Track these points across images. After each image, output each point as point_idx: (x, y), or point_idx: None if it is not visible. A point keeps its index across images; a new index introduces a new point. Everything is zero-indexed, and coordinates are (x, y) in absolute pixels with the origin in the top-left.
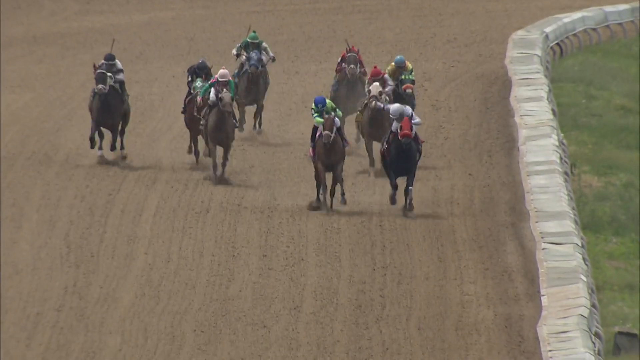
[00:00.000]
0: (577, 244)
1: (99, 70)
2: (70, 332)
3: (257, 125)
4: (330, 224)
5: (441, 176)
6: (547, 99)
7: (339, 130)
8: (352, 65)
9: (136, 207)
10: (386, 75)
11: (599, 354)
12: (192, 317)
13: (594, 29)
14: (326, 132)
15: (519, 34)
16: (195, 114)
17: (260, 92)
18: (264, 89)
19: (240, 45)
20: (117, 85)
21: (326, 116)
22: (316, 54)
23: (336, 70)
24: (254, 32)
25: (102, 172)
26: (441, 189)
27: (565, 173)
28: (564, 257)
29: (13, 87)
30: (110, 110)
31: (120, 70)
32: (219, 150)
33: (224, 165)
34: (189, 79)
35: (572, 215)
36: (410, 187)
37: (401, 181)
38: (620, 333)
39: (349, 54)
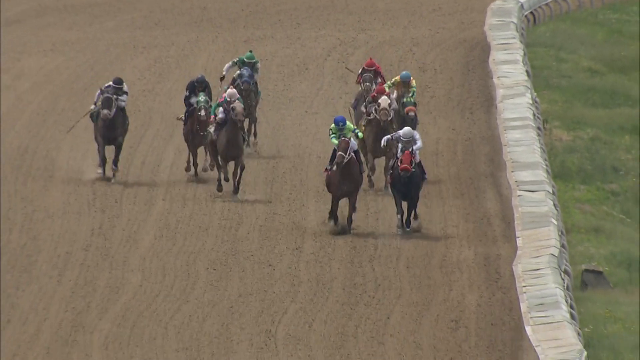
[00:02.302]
0: (548, 191)
1: (106, 95)
2: (96, 270)
3: (248, 139)
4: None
5: (427, 131)
6: (522, 62)
7: (357, 153)
8: (367, 84)
9: (155, 158)
10: (391, 95)
11: (567, 289)
12: (205, 257)
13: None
14: (340, 152)
15: (497, 3)
16: (197, 127)
17: (253, 106)
18: (256, 103)
19: (235, 62)
20: (119, 110)
21: (342, 138)
22: (316, 21)
23: (357, 82)
24: (251, 51)
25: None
26: (427, 143)
27: (538, 128)
28: (536, 203)
29: (46, 51)
30: (115, 128)
31: (125, 93)
32: (230, 167)
33: (238, 181)
34: (187, 93)
35: (544, 166)
36: (416, 219)
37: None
38: (586, 270)
39: (365, 74)
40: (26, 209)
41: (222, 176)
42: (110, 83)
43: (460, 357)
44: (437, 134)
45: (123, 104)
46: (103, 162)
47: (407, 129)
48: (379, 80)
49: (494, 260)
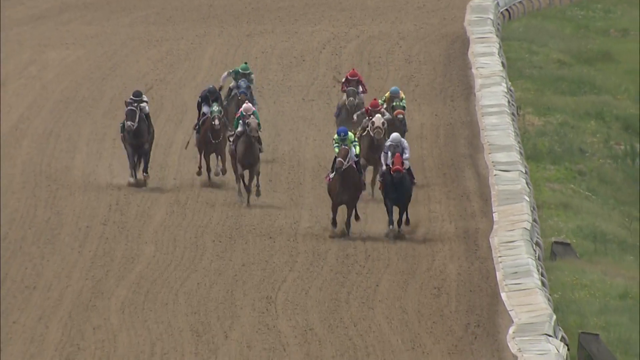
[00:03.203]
0: (521, 171)
1: (129, 108)
2: (113, 242)
3: None
4: (323, 156)
5: (413, 117)
6: (498, 54)
7: (357, 164)
8: (350, 98)
9: (167, 141)
10: (383, 109)
11: (538, 259)
12: (212, 230)
13: None
14: (339, 159)
15: (476, 1)
16: (210, 135)
17: None
18: None
19: (230, 72)
20: (144, 117)
21: (342, 147)
22: (312, 17)
23: (341, 89)
24: (246, 63)
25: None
26: (413, 127)
27: (513, 114)
28: (511, 181)
29: (68, 45)
30: (140, 138)
31: (146, 102)
32: (247, 174)
33: (257, 185)
34: (200, 101)
35: (518, 148)
36: (407, 224)
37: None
38: (556, 242)
39: (349, 88)
40: (50, 186)
41: (240, 186)
42: (131, 98)
43: (442, 320)
44: (421, 119)
45: (146, 109)
46: (134, 168)
47: (395, 135)
48: (361, 89)
49: (472, 233)
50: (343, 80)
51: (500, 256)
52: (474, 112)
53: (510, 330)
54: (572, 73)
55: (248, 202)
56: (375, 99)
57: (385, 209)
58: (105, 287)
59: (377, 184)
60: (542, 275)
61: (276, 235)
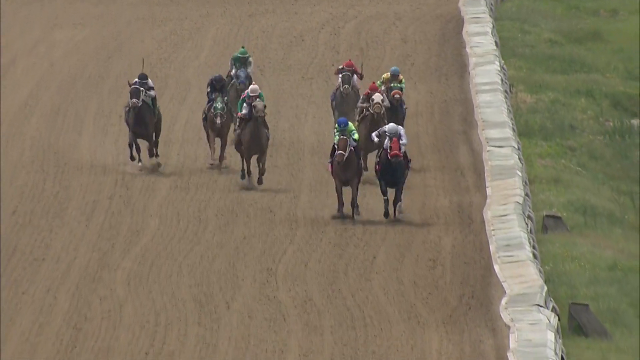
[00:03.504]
0: (514, 147)
1: (133, 86)
2: (119, 215)
3: None
4: (322, 132)
5: (409, 95)
6: (491, 34)
7: (356, 150)
8: (345, 85)
9: (171, 118)
10: (382, 93)
11: (530, 232)
12: (215, 204)
13: None
14: (339, 151)
15: None
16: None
17: None
18: None
19: (231, 59)
20: (149, 100)
21: (341, 137)
22: None
23: (335, 73)
24: (243, 47)
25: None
26: (409, 105)
27: (506, 91)
28: (504, 157)
29: (75, 24)
30: (144, 121)
31: (152, 87)
32: (253, 160)
33: (261, 171)
34: (208, 89)
35: (511, 124)
36: (399, 203)
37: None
38: (547, 216)
39: (343, 74)
40: (58, 162)
41: (246, 168)
42: (136, 79)
43: (437, 291)
44: (417, 97)
45: (153, 93)
46: (137, 151)
47: (391, 125)
48: (356, 78)
49: (466, 207)
50: (340, 67)
51: (493, 229)
52: (468, 89)
53: (503, 301)
54: (563, 52)
55: (254, 185)
56: (373, 83)
57: (379, 191)
58: (112, 259)
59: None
60: (533, 247)
61: (276, 209)
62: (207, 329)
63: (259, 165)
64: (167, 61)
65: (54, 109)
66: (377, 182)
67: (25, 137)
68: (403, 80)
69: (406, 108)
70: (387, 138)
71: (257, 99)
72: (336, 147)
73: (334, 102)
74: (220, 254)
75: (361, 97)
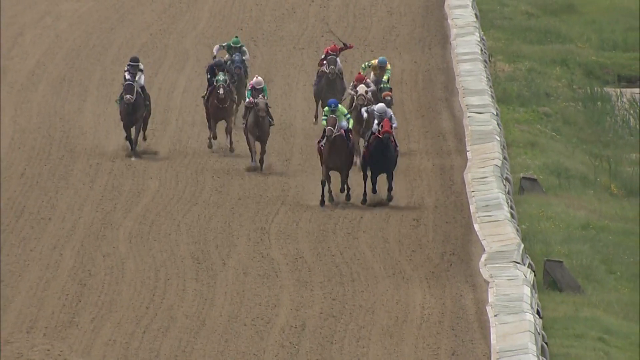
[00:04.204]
0: (493, 113)
1: (127, 82)
2: (121, 177)
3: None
4: (312, 99)
5: (394, 63)
6: (472, 7)
7: (347, 133)
8: (331, 67)
9: (170, 86)
10: (368, 80)
11: (508, 193)
12: (211, 167)
13: None
14: (329, 127)
15: None
16: (217, 102)
17: (244, 87)
18: (245, 85)
19: (223, 46)
20: (141, 92)
21: (330, 116)
22: None
23: (319, 64)
24: (237, 37)
25: (146, 60)
26: (394, 73)
27: (485, 61)
28: (483, 122)
29: None
30: (135, 116)
31: (141, 71)
32: (257, 145)
33: (262, 160)
34: (208, 75)
35: (490, 92)
36: (390, 192)
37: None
38: (524, 178)
39: (329, 57)
40: (64, 127)
41: (251, 154)
42: (129, 62)
43: (420, 249)
44: (402, 66)
45: (142, 80)
46: (130, 140)
47: (381, 105)
48: (340, 63)
49: (448, 170)
50: (322, 56)
51: (473, 191)
52: (450, 59)
53: (482, 258)
54: (539, 24)
55: (261, 169)
56: (359, 73)
57: (361, 177)
58: (114, 218)
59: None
60: (511, 208)
61: (269, 172)
62: (204, 285)
63: (262, 149)
64: (166, 32)
65: (60, 77)
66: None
67: (33, 104)
68: (389, 70)
69: (393, 103)
70: (376, 121)
71: (260, 95)
72: (325, 127)
73: (317, 87)
74: (217, 213)
75: (351, 84)
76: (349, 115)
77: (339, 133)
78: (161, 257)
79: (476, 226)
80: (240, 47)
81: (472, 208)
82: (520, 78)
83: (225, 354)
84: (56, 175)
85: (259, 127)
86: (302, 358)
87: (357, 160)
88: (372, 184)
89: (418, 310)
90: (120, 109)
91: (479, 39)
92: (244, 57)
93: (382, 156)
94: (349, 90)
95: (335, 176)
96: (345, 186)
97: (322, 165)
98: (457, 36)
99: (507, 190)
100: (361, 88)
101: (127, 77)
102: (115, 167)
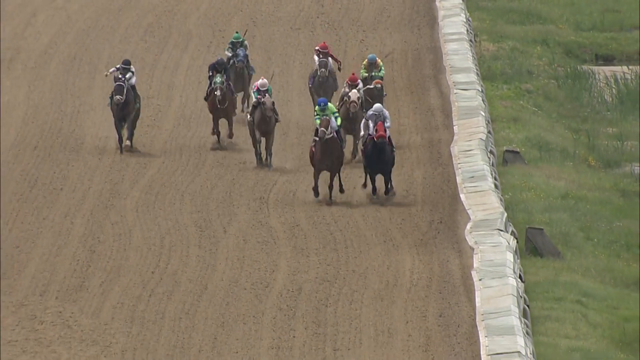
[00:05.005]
0: (478, 90)
1: (118, 83)
2: (128, 150)
3: (245, 105)
4: (307, 76)
5: (385, 42)
6: None
7: (337, 132)
8: (322, 69)
9: (173, 65)
10: (359, 82)
11: (492, 165)
12: (213, 141)
13: None
14: (321, 129)
15: None
16: (217, 102)
17: (246, 80)
18: (249, 78)
19: (229, 47)
20: (131, 92)
21: (323, 117)
22: None
23: (315, 53)
24: (237, 32)
25: (150, 39)
26: (384, 52)
27: (470, 41)
28: (469, 98)
29: None
30: (124, 115)
31: (133, 73)
32: (263, 141)
33: (269, 154)
34: (210, 74)
35: (475, 70)
36: (389, 190)
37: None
38: (507, 151)
39: (320, 60)
40: (74, 102)
41: (257, 150)
42: (120, 65)
43: (410, 218)
44: (393, 45)
45: (133, 81)
46: (120, 139)
47: (377, 105)
48: (331, 60)
49: (436, 143)
50: (316, 48)
51: (459, 163)
52: (438, 39)
53: (468, 226)
54: (521, 5)
55: (268, 165)
56: (353, 74)
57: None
58: (122, 189)
59: (359, 152)
60: (495, 179)
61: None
62: (207, 251)
63: (268, 145)
64: (171, 13)
65: (71, 56)
66: (358, 166)
67: (46, 81)
68: (382, 66)
69: (385, 95)
70: (372, 122)
71: (266, 95)
72: (318, 127)
73: (311, 86)
74: (218, 184)
75: (345, 83)
76: (337, 114)
77: (332, 135)
78: (166, 225)
79: (462, 196)
80: (242, 41)
81: (458, 179)
82: (503, 57)
83: (226, 316)
84: (67, 148)
85: (266, 123)
86: (298, 320)
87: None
88: (372, 182)
89: (407, 274)
90: (110, 106)
91: (465, 20)
92: (246, 52)
93: (378, 158)
94: (343, 90)
95: (325, 174)
96: (339, 182)
97: (312, 166)
98: (444, 17)
99: (491, 162)
100: (353, 94)
101: (119, 77)
102: (123, 140)
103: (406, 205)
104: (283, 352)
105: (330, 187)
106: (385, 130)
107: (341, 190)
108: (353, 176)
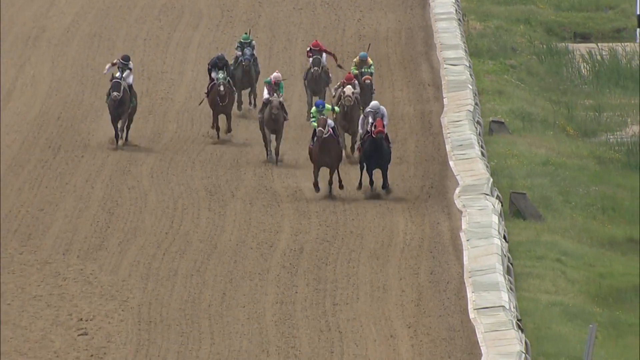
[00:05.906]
0: (466, 65)
1: (115, 80)
2: (144, 120)
3: (251, 102)
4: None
5: (380, 22)
6: None
7: (334, 131)
8: (315, 67)
9: (186, 42)
10: (355, 81)
11: (479, 134)
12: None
13: None
14: (319, 129)
15: None
16: (218, 99)
17: (253, 78)
18: (256, 76)
19: (238, 46)
20: (128, 90)
21: (320, 117)
22: None
23: (307, 55)
24: (246, 33)
25: (164, 19)
26: (380, 31)
27: (459, 20)
28: (458, 73)
29: None
30: (121, 112)
31: (130, 70)
32: (272, 137)
33: (277, 150)
34: (209, 67)
35: (463, 47)
36: (386, 187)
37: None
38: (493, 121)
39: (313, 57)
40: (94, 77)
41: (267, 147)
42: (120, 60)
43: (403, 183)
44: (387, 24)
45: (130, 80)
46: (116, 135)
47: (374, 102)
48: (325, 57)
49: (427, 114)
50: (308, 49)
51: (448, 132)
52: (429, 18)
53: (457, 191)
54: None
55: (276, 162)
56: (349, 73)
57: (359, 174)
58: (138, 156)
59: (356, 150)
60: (481, 147)
61: None
62: (216, 214)
63: (277, 143)
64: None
65: (91, 34)
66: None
67: (68, 56)
68: (372, 64)
69: (374, 90)
70: (370, 118)
71: (275, 94)
72: (316, 128)
73: (306, 82)
74: (227, 152)
75: (338, 83)
76: (335, 107)
77: (329, 133)
78: (178, 190)
79: (451, 163)
80: (250, 42)
81: (447, 147)
82: (489, 35)
83: (234, 273)
84: (88, 118)
85: (274, 121)
86: (300, 277)
87: (344, 153)
88: (369, 176)
89: (401, 235)
90: (108, 102)
91: (454, 1)
92: (254, 52)
93: (375, 154)
94: (334, 89)
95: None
96: (338, 177)
97: (312, 162)
98: None
99: (478, 132)
100: (348, 89)
101: (117, 74)
102: (139, 111)
103: (399, 171)
104: (286, 306)
105: (330, 182)
106: (383, 126)
107: (341, 187)
108: (352, 173)
